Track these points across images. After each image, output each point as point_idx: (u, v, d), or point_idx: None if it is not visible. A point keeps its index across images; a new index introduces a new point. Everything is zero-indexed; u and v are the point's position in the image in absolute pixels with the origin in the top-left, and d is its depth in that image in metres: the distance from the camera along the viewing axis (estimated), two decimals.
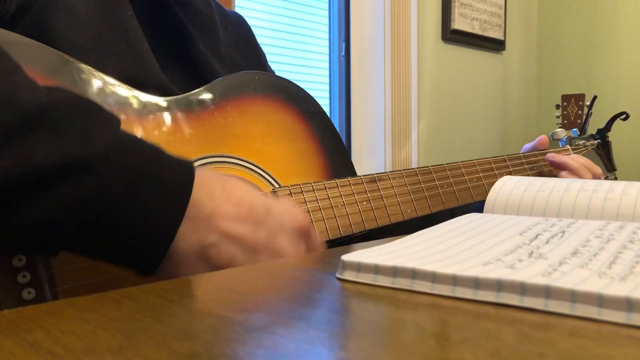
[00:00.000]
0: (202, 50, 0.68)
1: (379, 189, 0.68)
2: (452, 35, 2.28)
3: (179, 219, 0.39)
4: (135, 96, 0.54)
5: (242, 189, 0.45)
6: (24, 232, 0.36)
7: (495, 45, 2.52)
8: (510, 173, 0.85)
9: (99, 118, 0.39)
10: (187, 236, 0.40)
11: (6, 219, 0.35)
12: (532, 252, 0.31)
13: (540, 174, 0.90)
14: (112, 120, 0.39)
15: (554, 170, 0.90)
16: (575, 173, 0.88)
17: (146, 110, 0.55)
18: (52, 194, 0.35)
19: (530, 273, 0.26)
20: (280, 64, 1.90)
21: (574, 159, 0.89)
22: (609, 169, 1.21)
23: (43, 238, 0.36)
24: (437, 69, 2.27)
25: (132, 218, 0.38)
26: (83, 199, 0.36)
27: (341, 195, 0.64)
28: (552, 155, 0.91)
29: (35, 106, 0.35)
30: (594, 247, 0.32)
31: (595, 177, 0.89)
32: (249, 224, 0.43)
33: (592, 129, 1.27)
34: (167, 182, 0.39)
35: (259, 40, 0.85)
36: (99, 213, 0.37)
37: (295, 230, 0.46)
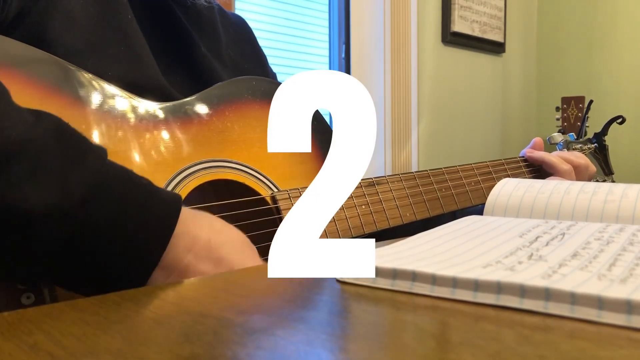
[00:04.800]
0: (204, 53, 0.68)
1: (377, 193, 0.68)
2: (452, 38, 2.28)
3: (152, 267, 0.39)
4: (134, 102, 0.54)
5: (229, 248, 0.43)
6: (2, 266, 0.36)
7: (495, 47, 2.52)
8: (508, 177, 0.85)
9: (82, 155, 0.38)
10: (159, 283, 0.40)
11: None
12: (531, 254, 0.31)
13: (539, 176, 0.91)
14: (95, 154, 0.39)
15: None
16: (550, 167, 0.87)
17: (145, 116, 0.55)
18: (30, 235, 0.35)
19: (530, 275, 0.26)
20: (280, 66, 1.90)
21: (552, 154, 0.89)
22: (606, 172, 1.21)
23: (21, 273, 0.37)
24: (437, 71, 2.27)
25: (107, 262, 0.38)
26: (61, 242, 0.36)
27: None
28: (529, 151, 0.91)
29: (16, 141, 0.34)
30: (593, 249, 0.32)
31: (576, 166, 0.87)
32: None
33: (592, 131, 1.27)
34: (146, 228, 0.39)
35: (259, 42, 0.85)
36: (75, 256, 0.37)
37: None
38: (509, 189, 0.51)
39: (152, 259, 0.39)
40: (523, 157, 0.92)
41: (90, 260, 0.37)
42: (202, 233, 0.42)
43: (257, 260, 0.45)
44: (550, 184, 0.50)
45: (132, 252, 0.38)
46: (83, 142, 0.39)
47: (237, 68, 0.74)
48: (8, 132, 0.34)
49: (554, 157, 0.88)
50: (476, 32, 2.37)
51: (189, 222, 0.41)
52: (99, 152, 0.39)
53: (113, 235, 0.37)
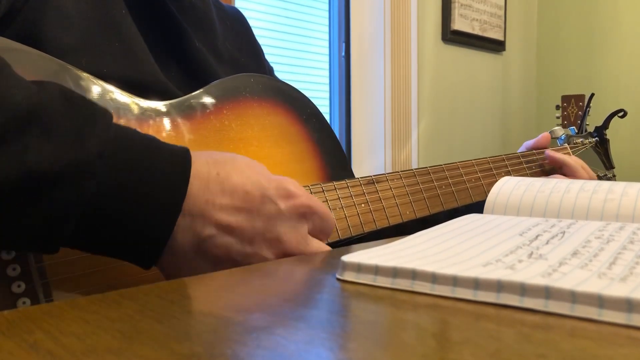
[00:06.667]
0: (198, 47, 0.67)
1: (377, 191, 0.68)
2: (452, 36, 2.28)
3: (176, 214, 0.39)
4: (131, 100, 0.54)
5: (237, 174, 0.43)
6: (23, 233, 0.36)
7: (495, 45, 2.52)
8: (508, 173, 0.85)
9: (91, 115, 0.38)
10: (184, 230, 0.40)
11: (5, 221, 0.35)
12: (532, 253, 0.31)
13: (541, 172, 0.90)
14: (104, 116, 0.39)
15: (554, 166, 0.91)
16: (572, 170, 0.88)
17: (140, 115, 0.54)
18: (51, 197, 0.35)
19: (530, 274, 0.26)
20: (280, 64, 1.90)
21: (572, 158, 0.90)
22: (607, 166, 1.21)
23: (43, 237, 0.37)
24: (437, 69, 2.27)
25: (130, 215, 0.38)
26: (82, 200, 0.36)
27: (339, 198, 0.63)
28: (550, 151, 0.92)
29: (26, 107, 0.35)
30: (594, 247, 0.32)
31: (590, 179, 0.90)
32: (245, 214, 0.42)
33: (593, 126, 1.26)
34: (163, 176, 0.39)
35: (259, 40, 0.85)
36: (97, 212, 0.37)
37: (294, 213, 0.44)
38: (509, 188, 0.51)
39: (174, 205, 0.39)
40: (523, 152, 0.92)
41: (114, 216, 0.37)
42: (210, 169, 0.42)
43: (265, 173, 0.45)
44: (550, 182, 0.50)
45: (155, 201, 0.38)
46: (90, 103, 0.40)
47: (233, 61, 0.74)
48: (16, 99, 0.35)
49: (575, 163, 0.89)
50: (476, 31, 2.37)
51: (197, 164, 0.42)
52: (106, 111, 0.40)
53: (133, 186, 0.38)
